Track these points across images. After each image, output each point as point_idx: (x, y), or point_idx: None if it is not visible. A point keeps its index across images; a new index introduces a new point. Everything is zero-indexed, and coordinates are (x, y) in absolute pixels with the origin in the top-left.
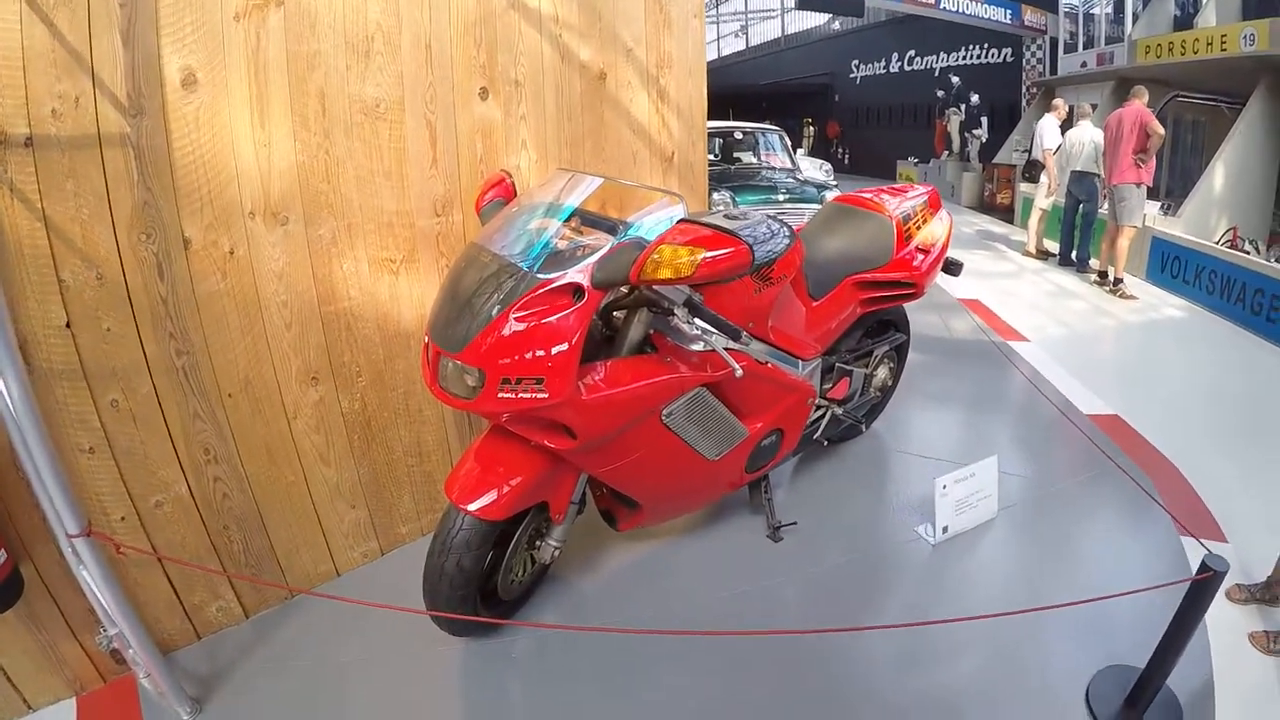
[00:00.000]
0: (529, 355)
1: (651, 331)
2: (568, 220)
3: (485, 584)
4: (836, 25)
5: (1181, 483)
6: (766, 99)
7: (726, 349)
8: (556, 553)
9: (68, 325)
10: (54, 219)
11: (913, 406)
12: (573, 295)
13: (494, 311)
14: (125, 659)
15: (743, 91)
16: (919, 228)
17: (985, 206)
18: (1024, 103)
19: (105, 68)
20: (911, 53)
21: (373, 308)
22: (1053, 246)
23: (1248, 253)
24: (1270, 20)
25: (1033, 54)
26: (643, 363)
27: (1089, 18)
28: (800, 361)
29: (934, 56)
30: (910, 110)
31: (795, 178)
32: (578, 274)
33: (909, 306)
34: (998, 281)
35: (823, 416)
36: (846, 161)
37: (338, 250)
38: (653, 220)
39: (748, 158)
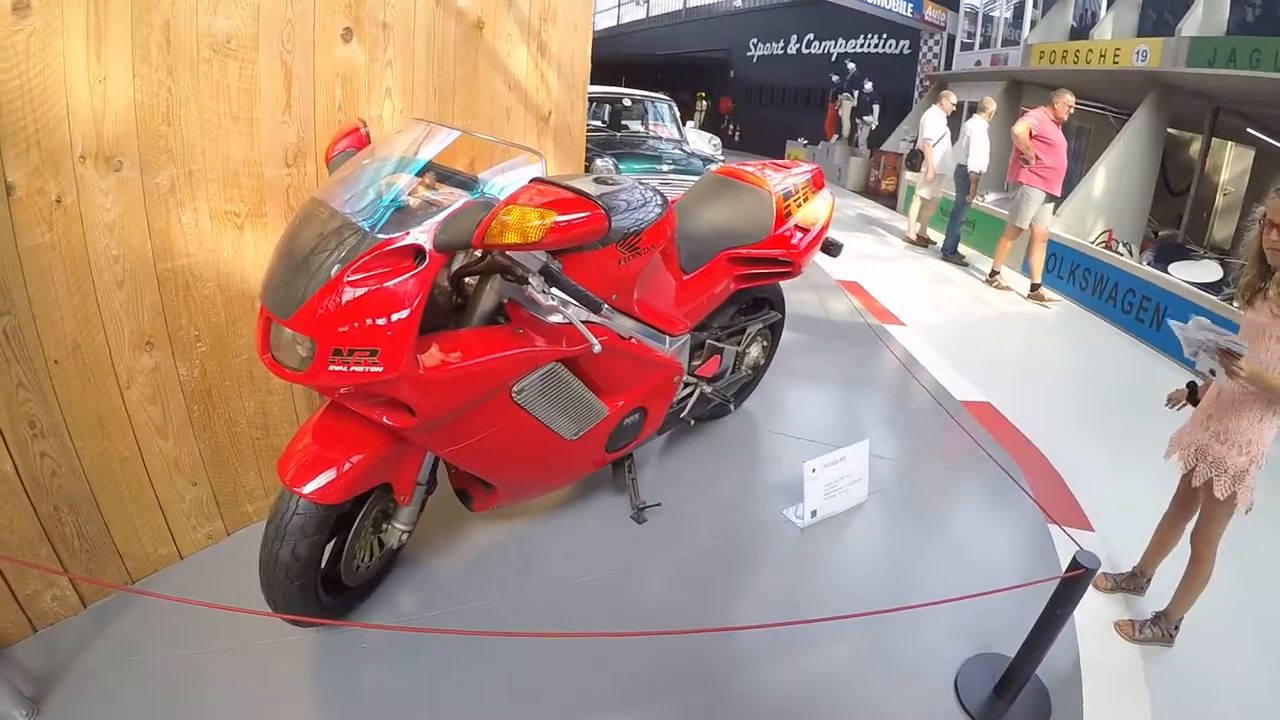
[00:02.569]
0: (363, 324)
1: (505, 301)
2: (420, 175)
3: (328, 570)
4: (739, 2)
5: (1049, 471)
6: (662, 70)
7: (585, 322)
8: (405, 536)
9: None
10: None
11: (785, 386)
12: (414, 258)
13: (329, 274)
14: None
15: (639, 60)
16: (799, 205)
17: (870, 192)
18: (916, 94)
19: None
20: (810, 36)
21: (214, 266)
22: (936, 236)
23: (1120, 254)
24: (1163, 39)
25: (930, 48)
26: (491, 334)
27: (988, 19)
28: (668, 337)
29: (832, 42)
30: (804, 93)
31: (681, 149)
32: (420, 234)
33: (785, 285)
34: (877, 265)
35: (690, 395)
36: (737, 138)
37: (177, 200)
38: (507, 179)
39: (635, 126)
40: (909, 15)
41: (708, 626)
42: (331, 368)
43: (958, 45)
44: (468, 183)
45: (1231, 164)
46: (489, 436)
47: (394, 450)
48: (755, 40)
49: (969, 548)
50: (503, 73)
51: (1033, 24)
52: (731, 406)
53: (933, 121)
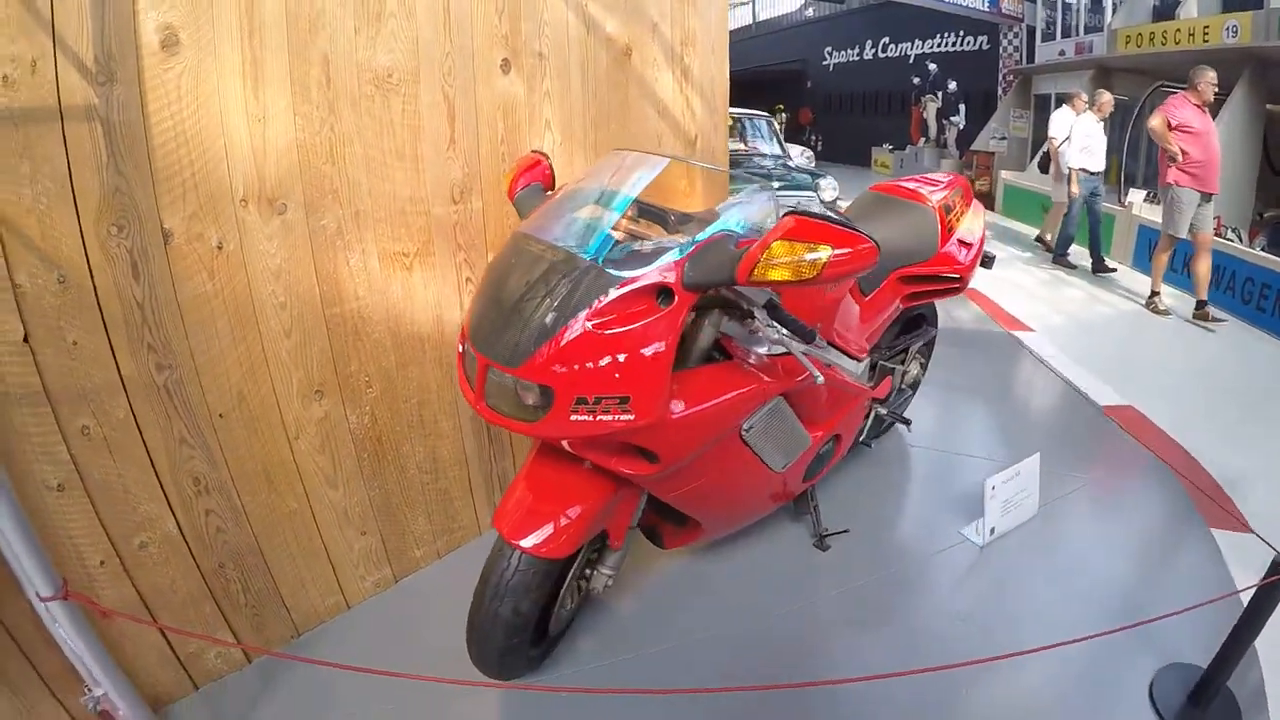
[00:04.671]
0: (611, 370)
1: (720, 336)
2: (625, 210)
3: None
4: (810, 12)
5: (1201, 474)
6: (738, 85)
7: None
8: (610, 581)
9: (25, 339)
10: (5, 210)
11: (933, 399)
12: (656, 298)
13: (560, 317)
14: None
15: None
16: (959, 220)
17: None
18: (1000, 90)
19: (69, 25)
20: (886, 39)
21: (383, 308)
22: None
23: (1230, 241)
24: (1252, 13)
25: (1010, 42)
26: (723, 372)
27: (1067, 7)
28: (855, 361)
29: (909, 43)
30: (884, 97)
31: (785, 165)
32: (666, 272)
33: None
34: (992, 270)
35: (867, 416)
36: (819, 148)
37: (344, 243)
38: (744, 211)
39: (734, 144)
40: (985, 9)
41: (894, 670)
42: (574, 417)
43: (1038, 36)
44: (670, 217)
45: None
46: (714, 475)
47: (615, 497)
48: (829, 48)
49: (1140, 556)
50: (651, 99)
51: (1114, 8)
52: (909, 426)
53: (1059, 121)
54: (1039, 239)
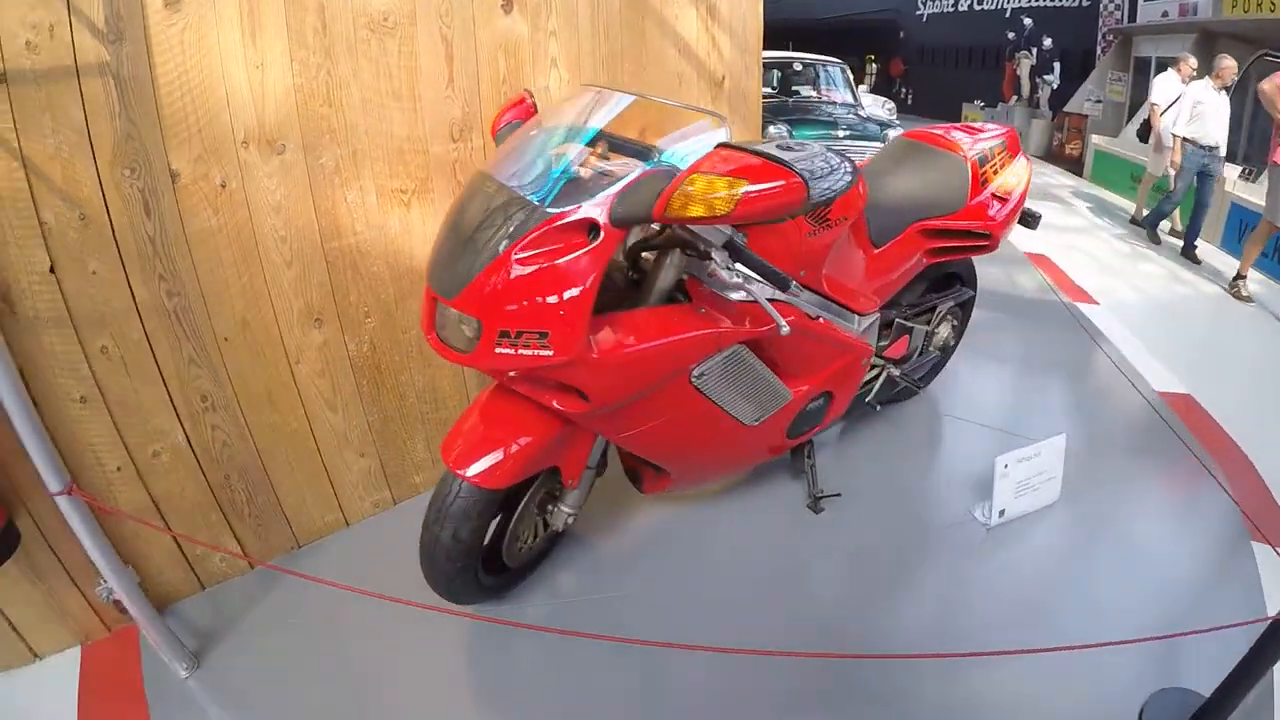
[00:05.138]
0: (532, 304)
1: (685, 277)
2: (592, 144)
3: (490, 549)
4: None
5: (1253, 479)
6: (829, 33)
7: (772, 300)
8: (570, 520)
9: (52, 270)
10: (32, 158)
11: (970, 367)
12: (588, 233)
13: (490, 252)
14: (127, 610)
15: (804, 23)
16: (996, 173)
17: (1053, 156)
18: (1099, 50)
19: None
20: None
21: (382, 243)
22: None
23: None
24: None
25: None
26: (671, 314)
27: None
28: (857, 317)
29: None
30: (978, 52)
31: (857, 114)
32: (594, 208)
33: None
34: (1067, 237)
35: (877, 377)
36: (910, 102)
37: (342, 180)
38: (689, 145)
39: (807, 91)
40: None
41: (877, 651)
42: (498, 350)
43: None
44: (644, 151)
45: None
46: (665, 422)
47: (563, 434)
48: None
49: (1164, 561)
50: (672, 38)
51: None
52: (919, 390)
53: (1162, 87)
54: (1134, 220)
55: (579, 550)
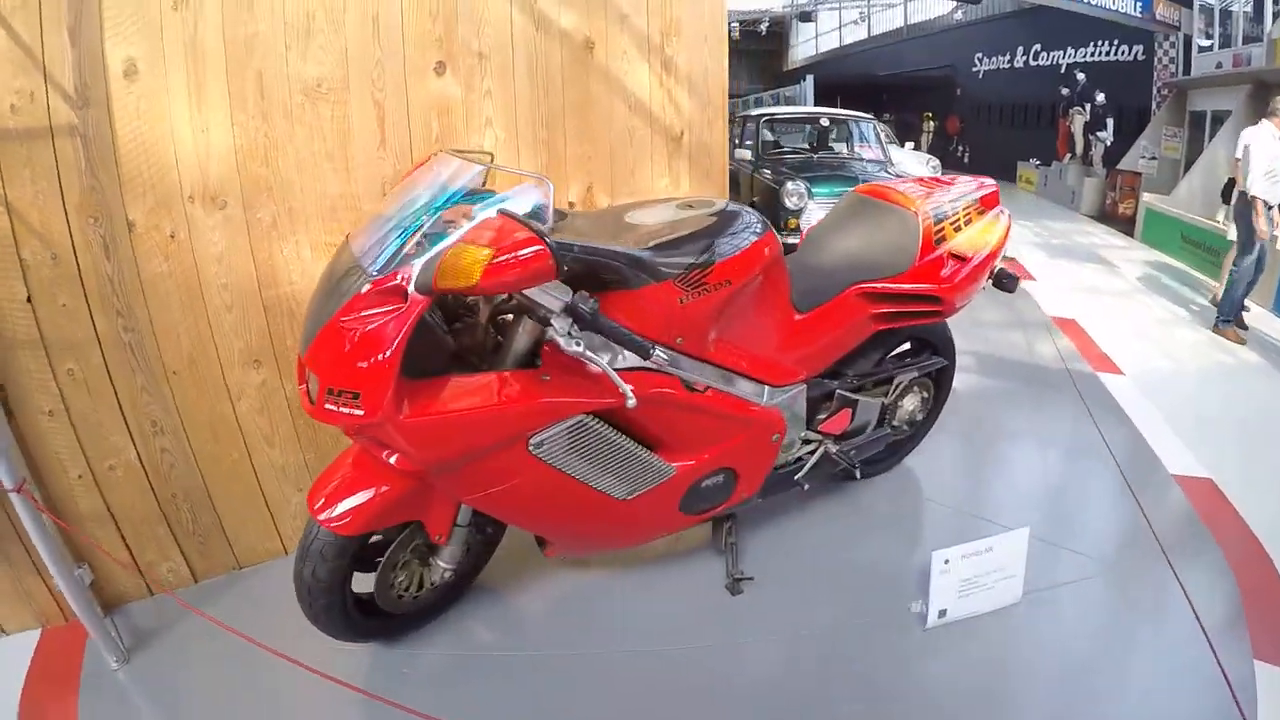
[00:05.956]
0: (349, 365)
1: (546, 342)
2: (436, 213)
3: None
4: (959, 15)
5: (1273, 589)
6: (886, 90)
7: (638, 370)
8: (448, 574)
9: (29, 299)
10: (15, 203)
11: (957, 441)
12: (404, 299)
13: (330, 313)
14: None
15: (861, 81)
16: (958, 229)
17: (1106, 216)
18: (1154, 105)
19: (55, 63)
20: (1038, 46)
21: None
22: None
23: None
24: None
25: (1165, 53)
26: (504, 381)
27: (1226, 14)
28: (768, 388)
29: (1060, 52)
30: (1033, 108)
31: (886, 171)
32: (404, 276)
33: (987, 321)
34: (1104, 301)
35: (811, 454)
36: (966, 160)
37: (278, 234)
38: (491, 210)
39: (839, 148)
40: (1137, 15)
41: None
42: (327, 405)
43: (1195, 47)
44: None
45: None
46: (513, 488)
47: (419, 488)
48: (980, 55)
49: (1140, 688)
50: (621, 94)
51: (1275, 17)
52: (856, 474)
53: (1251, 141)
54: (1215, 304)
55: (492, 603)
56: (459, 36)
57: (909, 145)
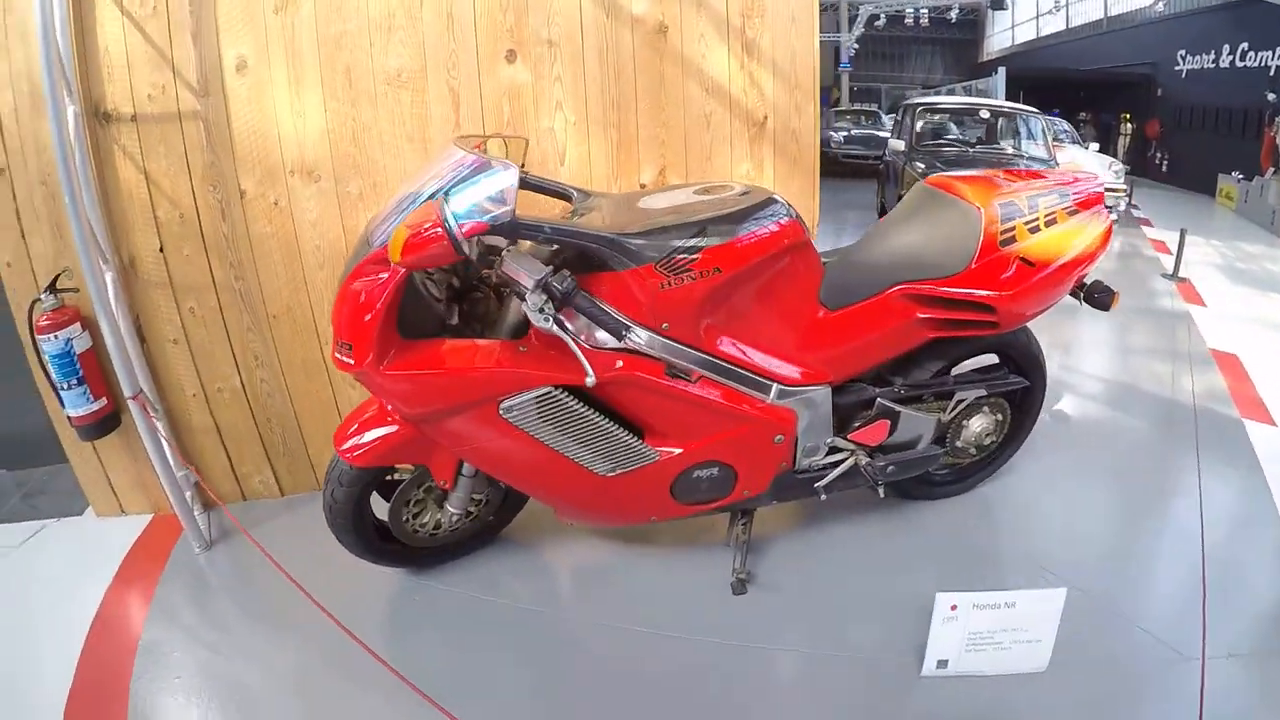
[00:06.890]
0: (348, 321)
1: None
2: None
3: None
4: (1161, 7)
5: None
6: (1083, 87)
7: (620, 350)
8: (455, 519)
9: (160, 249)
10: (152, 173)
11: (1052, 480)
12: (388, 268)
13: (343, 279)
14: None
15: (1056, 76)
16: (1034, 229)
17: None
18: None
19: (181, 61)
20: (1244, 45)
21: None
22: None
23: None
24: None
25: None
26: (480, 348)
27: None
28: (776, 385)
29: (1269, 52)
30: (1238, 115)
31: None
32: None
33: (1133, 348)
34: (1277, 340)
35: (838, 463)
36: (1165, 168)
37: (364, 205)
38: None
39: (1006, 144)
40: None
41: None
42: (337, 355)
43: None
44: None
45: None
46: (493, 447)
47: (423, 436)
48: (1183, 52)
49: None
50: (697, 77)
51: None
52: (879, 491)
53: None
54: None
55: (518, 554)
56: (529, 26)
57: (1093, 146)
